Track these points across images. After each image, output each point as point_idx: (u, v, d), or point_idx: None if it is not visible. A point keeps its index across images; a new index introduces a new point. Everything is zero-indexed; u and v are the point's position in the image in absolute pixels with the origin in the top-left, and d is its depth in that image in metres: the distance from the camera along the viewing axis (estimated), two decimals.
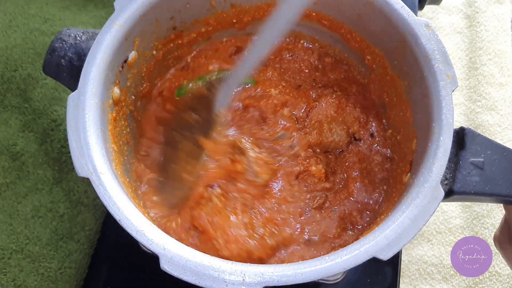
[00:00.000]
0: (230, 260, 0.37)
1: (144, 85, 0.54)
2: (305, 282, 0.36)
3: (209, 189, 0.49)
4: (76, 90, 0.43)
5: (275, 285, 0.36)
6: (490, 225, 0.66)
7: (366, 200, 0.51)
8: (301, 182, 0.52)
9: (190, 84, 0.55)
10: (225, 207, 0.48)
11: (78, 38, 0.48)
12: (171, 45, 0.55)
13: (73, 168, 0.40)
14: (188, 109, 0.53)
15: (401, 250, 0.60)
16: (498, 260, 0.64)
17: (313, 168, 0.52)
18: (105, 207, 0.39)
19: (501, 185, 0.42)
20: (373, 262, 0.37)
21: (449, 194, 0.42)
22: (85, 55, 0.45)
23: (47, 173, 0.59)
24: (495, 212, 0.66)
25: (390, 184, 0.51)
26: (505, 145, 0.44)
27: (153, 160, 0.53)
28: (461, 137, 0.44)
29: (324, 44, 0.60)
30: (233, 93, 0.52)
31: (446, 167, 0.41)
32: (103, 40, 0.45)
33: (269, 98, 0.54)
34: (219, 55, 0.59)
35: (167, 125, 0.54)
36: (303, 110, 0.55)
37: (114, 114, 0.47)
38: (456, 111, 0.63)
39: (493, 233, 0.52)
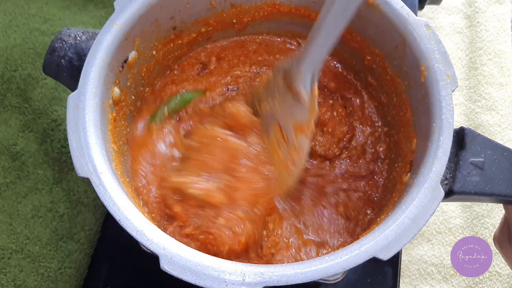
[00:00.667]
0: None
1: (147, 89, 0.55)
2: (305, 282, 0.36)
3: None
4: (76, 90, 0.43)
5: (275, 285, 0.36)
6: (490, 225, 0.66)
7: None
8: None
9: (158, 114, 0.55)
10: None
11: (78, 38, 0.48)
12: (171, 45, 0.55)
13: (73, 168, 0.40)
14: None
15: (401, 250, 0.60)
16: (498, 260, 0.64)
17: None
18: (105, 207, 0.39)
19: (501, 185, 0.42)
20: (373, 262, 0.37)
21: (449, 194, 0.42)
22: (85, 55, 0.45)
23: (47, 173, 0.59)
24: (495, 212, 0.66)
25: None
26: (505, 145, 0.44)
27: None
28: (461, 137, 0.44)
29: None
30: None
31: (446, 167, 0.41)
32: (103, 40, 0.45)
33: None
34: (187, 76, 0.58)
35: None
36: None
37: (114, 114, 0.47)
38: (456, 111, 0.63)
39: (493, 233, 0.52)
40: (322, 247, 0.49)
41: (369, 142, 0.55)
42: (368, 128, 0.56)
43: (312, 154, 0.54)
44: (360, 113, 0.57)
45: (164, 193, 0.49)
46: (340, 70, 0.59)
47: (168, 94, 0.57)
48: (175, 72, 0.58)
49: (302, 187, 0.52)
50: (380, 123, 0.56)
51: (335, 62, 0.60)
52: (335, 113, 0.55)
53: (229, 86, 0.57)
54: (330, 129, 0.55)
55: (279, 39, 0.60)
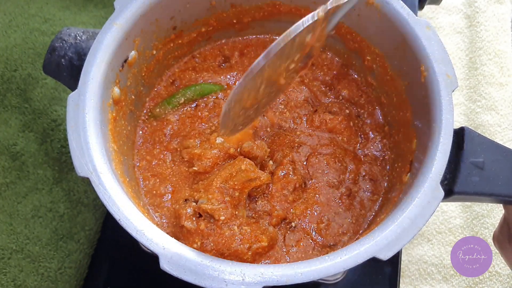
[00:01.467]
0: None
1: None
2: (305, 282, 0.36)
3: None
4: (76, 90, 0.43)
5: (275, 284, 0.36)
6: (490, 225, 0.66)
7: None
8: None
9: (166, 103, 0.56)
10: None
11: (78, 37, 0.48)
12: (171, 45, 0.55)
13: (73, 168, 0.40)
14: None
15: (401, 250, 0.60)
16: (498, 260, 0.64)
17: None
18: (105, 207, 0.39)
19: (501, 185, 0.42)
20: (373, 262, 0.37)
21: (449, 194, 0.42)
22: (85, 55, 0.45)
23: (47, 173, 0.59)
24: (495, 212, 0.66)
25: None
26: (505, 145, 0.44)
27: None
28: (461, 137, 0.44)
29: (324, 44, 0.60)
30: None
31: (446, 167, 0.41)
32: (103, 40, 0.45)
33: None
34: (208, 67, 0.59)
35: None
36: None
37: (114, 114, 0.47)
38: (456, 111, 0.63)
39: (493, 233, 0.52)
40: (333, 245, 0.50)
41: (379, 149, 0.55)
42: (379, 136, 0.56)
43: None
44: (372, 121, 0.57)
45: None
46: (356, 76, 0.59)
47: (187, 79, 0.58)
48: (196, 60, 0.59)
49: (320, 190, 0.52)
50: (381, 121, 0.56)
51: (351, 71, 0.59)
52: (351, 123, 0.56)
53: None
54: (345, 139, 0.55)
55: None
